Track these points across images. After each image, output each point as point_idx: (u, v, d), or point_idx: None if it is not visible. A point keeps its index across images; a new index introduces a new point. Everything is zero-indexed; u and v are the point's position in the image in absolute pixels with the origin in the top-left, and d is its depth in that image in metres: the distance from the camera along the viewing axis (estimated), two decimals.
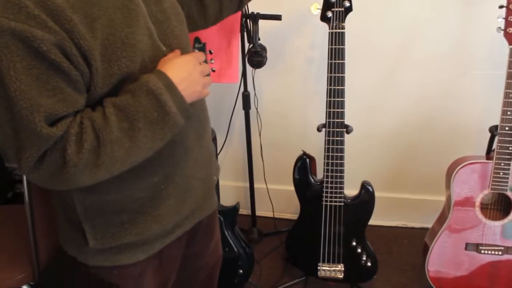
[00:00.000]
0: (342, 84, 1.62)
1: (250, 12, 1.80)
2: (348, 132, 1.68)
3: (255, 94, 2.06)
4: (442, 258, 1.73)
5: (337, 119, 1.66)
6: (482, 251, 1.69)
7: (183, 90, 0.93)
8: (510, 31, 1.51)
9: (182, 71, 0.95)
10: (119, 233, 1.04)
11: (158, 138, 0.92)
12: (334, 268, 1.88)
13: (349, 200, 1.79)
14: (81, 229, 1.04)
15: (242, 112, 2.07)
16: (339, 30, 1.57)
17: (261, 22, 1.80)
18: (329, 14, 1.56)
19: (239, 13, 1.78)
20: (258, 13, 1.77)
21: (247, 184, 2.28)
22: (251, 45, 1.83)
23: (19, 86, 0.78)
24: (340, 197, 1.76)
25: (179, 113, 0.93)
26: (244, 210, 2.43)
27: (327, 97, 1.64)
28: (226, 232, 1.84)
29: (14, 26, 0.76)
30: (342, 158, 1.70)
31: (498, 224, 1.65)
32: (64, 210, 1.08)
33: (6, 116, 0.82)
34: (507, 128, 1.56)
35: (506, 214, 1.64)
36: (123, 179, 0.98)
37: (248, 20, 1.81)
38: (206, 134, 1.16)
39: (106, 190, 0.99)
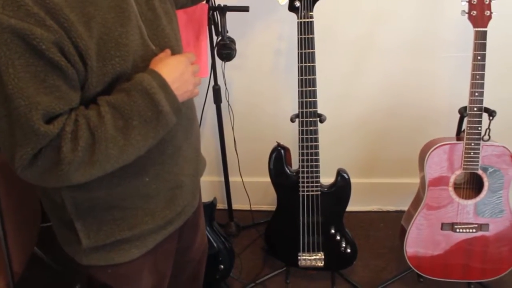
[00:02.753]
0: (313, 73, 1.62)
1: (217, 4, 1.77)
2: (321, 121, 1.69)
3: (226, 87, 2.04)
4: (419, 239, 1.77)
5: (310, 108, 1.66)
6: (457, 230, 1.73)
7: (175, 89, 0.95)
8: (473, 14, 1.53)
9: (175, 71, 0.96)
10: (112, 230, 1.05)
11: (151, 137, 0.93)
12: (314, 257, 1.89)
13: (326, 189, 1.81)
14: (73, 228, 1.04)
15: (213, 106, 2.05)
16: (307, 20, 1.56)
17: (229, 14, 1.78)
18: (297, 3, 1.55)
19: (206, 6, 1.75)
20: (225, 5, 1.75)
21: (222, 178, 2.26)
22: (220, 38, 1.81)
23: (17, 84, 0.79)
24: (316, 186, 1.77)
25: (172, 112, 0.94)
26: (221, 205, 2.41)
27: (299, 87, 1.64)
28: (205, 228, 1.82)
29: (14, 23, 0.76)
30: (316, 147, 1.71)
31: (471, 202, 1.69)
32: (55, 210, 1.08)
33: (2, 112, 0.81)
34: (475, 109, 1.59)
35: (478, 193, 1.68)
36: (114, 175, 0.98)
37: (215, 13, 1.78)
38: (193, 131, 1.18)
39: (96, 187, 0.99)
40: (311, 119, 1.68)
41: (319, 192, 1.78)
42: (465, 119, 1.63)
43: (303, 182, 1.77)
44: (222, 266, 1.86)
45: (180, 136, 1.09)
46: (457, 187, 1.70)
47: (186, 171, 1.14)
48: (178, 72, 0.96)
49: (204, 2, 1.75)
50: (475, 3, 1.52)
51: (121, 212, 1.05)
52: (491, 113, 1.60)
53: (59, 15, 0.79)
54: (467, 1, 1.53)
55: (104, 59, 0.87)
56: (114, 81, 0.91)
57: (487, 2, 1.52)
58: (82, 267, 1.10)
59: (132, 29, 0.91)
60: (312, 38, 1.58)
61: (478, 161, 1.63)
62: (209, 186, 2.45)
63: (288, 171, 1.81)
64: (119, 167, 0.94)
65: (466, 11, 1.54)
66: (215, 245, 1.84)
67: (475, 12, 1.53)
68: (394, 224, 2.28)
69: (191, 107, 1.17)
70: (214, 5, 1.78)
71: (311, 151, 1.71)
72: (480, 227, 1.72)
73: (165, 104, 0.92)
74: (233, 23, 1.85)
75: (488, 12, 1.53)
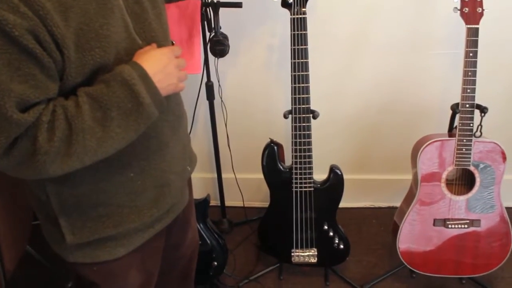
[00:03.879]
0: (306, 69, 1.62)
1: (210, 0, 1.76)
2: (314, 118, 1.69)
3: (219, 84, 2.04)
4: (412, 235, 1.78)
5: (303, 105, 1.67)
6: (450, 226, 1.74)
7: (158, 82, 0.93)
8: (466, 11, 1.54)
9: (158, 63, 0.94)
10: (97, 226, 1.03)
11: (131, 129, 0.91)
12: (307, 253, 1.90)
13: (319, 185, 1.81)
14: (57, 224, 1.03)
15: (206, 103, 2.04)
16: (300, 16, 1.56)
17: (222, 10, 1.77)
18: (290, 0, 1.55)
19: (199, 2, 1.74)
20: (218, 1, 1.74)
21: (215, 175, 2.26)
22: (213, 34, 1.80)
23: None
24: (309, 183, 1.78)
25: (153, 105, 0.92)
26: (213, 201, 2.41)
27: (292, 83, 1.64)
28: (198, 225, 1.82)
29: None
30: (309, 143, 1.71)
31: (463, 198, 1.71)
32: (41, 207, 1.06)
33: None
34: (467, 106, 1.60)
35: (470, 189, 1.70)
36: (97, 170, 0.97)
37: (208, 9, 1.77)
38: (181, 128, 1.16)
39: (80, 182, 0.98)
40: (304, 115, 1.68)
41: (312, 189, 1.79)
42: (457, 116, 1.64)
43: (296, 179, 1.77)
44: (215, 263, 1.86)
45: (167, 132, 1.07)
46: (449, 183, 1.71)
47: (174, 168, 1.12)
48: (161, 64, 0.94)
49: None
50: (467, 0, 1.53)
51: (106, 209, 1.03)
52: (483, 110, 1.61)
53: (33, 2, 0.77)
54: None
55: (84, 49, 0.85)
56: (95, 73, 0.89)
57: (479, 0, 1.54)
58: (69, 264, 1.09)
59: (115, 22, 0.89)
60: (305, 35, 1.58)
61: (470, 157, 1.64)
62: (201, 182, 2.44)
63: (281, 167, 1.81)
64: (102, 161, 0.93)
65: (458, 8, 1.55)
66: (208, 242, 1.84)
67: (467, 9, 1.54)
68: (386, 220, 2.29)
69: (179, 103, 1.15)
70: (207, 1, 1.77)
71: (304, 147, 1.71)
72: (472, 222, 1.74)
73: (146, 96, 0.90)
74: (226, 19, 1.85)
75: (480, 9, 1.54)
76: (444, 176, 1.68)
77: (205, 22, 1.81)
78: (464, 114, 1.61)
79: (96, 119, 0.86)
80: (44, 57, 0.80)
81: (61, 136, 0.84)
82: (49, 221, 1.06)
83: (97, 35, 0.86)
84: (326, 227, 1.85)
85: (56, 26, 0.80)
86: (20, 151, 0.82)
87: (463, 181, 1.73)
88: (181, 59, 1.02)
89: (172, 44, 1.09)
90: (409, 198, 1.81)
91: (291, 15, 1.57)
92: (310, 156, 1.73)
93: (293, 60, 1.61)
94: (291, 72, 1.62)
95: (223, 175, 2.25)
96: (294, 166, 1.75)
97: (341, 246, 1.88)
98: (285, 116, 1.71)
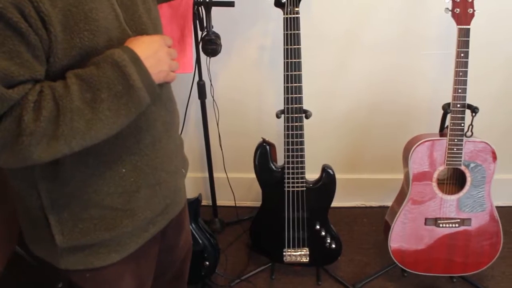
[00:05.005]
0: (299, 69, 1.62)
1: None
2: (307, 117, 1.69)
3: (210, 83, 2.03)
4: (403, 234, 1.79)
5: (295, 104, 1.67)
6: (441, 225, 1.75)
7: (149, 67, 0.91)
8: (457, 12, 1.55)
9: (149, 48, 0.93)
10: (88, 228, 1.01)
11: (122, 114, 0.89)
12: (299, 253, 1.90)
13: (311, 184, 1.81)
14: (46, 224, 1.00)
15: (198, 102, 2.03)
16: (293, 15, 1.56)
17: (214, 9, 1.77)
18: None
19: (191, 1, 1.73)
20: (210, 0, 1.73)
21: (206, 174, 2.25)
22: (205, 33, 1.79)
23: None
24: (302, 182, 1.78)
25: (144, 89, 0.90)
26: (205, 201, 2.41)
27: (284, 83, 1.64)
28: (190, 225, 1.81)
29: None
30: (302, 143, 1.71)
31: (454, 197, 1.72)
32: (27, 205, 1.02)
33: None
34: (458, 106, 1.61)
35: (461, 188, 1.71)
36: (87, 165, 0.95)
37: (200, 8, 1.76)
38: (174, 125, 1.14)
39: (70, 177, 0.95)
40: (296, 115, 1.68)
41: (305, 188, 1.79)
42: (449, 116, 1.65)
43: (288, 178, 1.77)
44: (207, 263, 1.86)
45: (159, 127, 1.05)
46: (440, 183, 1.72)
47: (166, 167, 1.09)
48: (152, 49, 0.93)
49: None
50: (458, 1, 1.54)
51: (99, 211, 1.00)
52: (474, 110, 1.62)
53: None
54: None
55: (72, 31, 0.83)
56: (83, 58, 0.87)
57: (470, 0, 1.55)
58: (60, 271, 1.06)
59: (104, 8, 0.88)
60: (298, 34, 1.58)
61: (461, 157, 1.65)
62: (193, 182, 2.43)
63: (273, 167, 1.81)
64: (92, 154, 0.91)
65: (450, 8, 1.56)
66: (200, 242, 1.83)
67: (458, 9, 1.55)
68: (377, 220, 2.30)
69: (171, 99, 1.13)
70: (199, 0, 1.76)
71: (297, 147, 1.71)
72: (463, 221, 1.75)
73: (137, 78, 0.88)
74: (219, 18, 1.84)
75: (471, 10, 1.55)
76: (435, 175, 1.69)
77: (197, 21, 1.80)
78: (456, 114, 1.62)
79: (85, 100, 0.83)
80: (30, 34, 0.78)
81: (48, 116, 0.80)
82: (37, 224, 1.02)
83: (86, 17, 0.84)
84: (318, 227, 1.86)
85: (42, 2, 0.78)
86: (3, 132, 0.79)
87: (454, 180, 1.74)
88: (172, 49, 1.01)
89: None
90: (401, 197, 1.82)
91: (284, 14, 1.56)
92: (302, 156, 1.73)
93: (286, 60, 1.61)
94: (284, 71, 1.62)
95: (215, 175, 2.24)
96: (286, 165, 1.75)
97: (333, 246, 1.89)
98: (278, 116, 1.70)
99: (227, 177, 2.30)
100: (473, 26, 1.55)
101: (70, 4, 0.82)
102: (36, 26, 0.78)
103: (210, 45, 1.79)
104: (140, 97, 0.90)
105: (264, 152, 1.80)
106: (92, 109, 0.84)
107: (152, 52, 0.93)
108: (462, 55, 1.57)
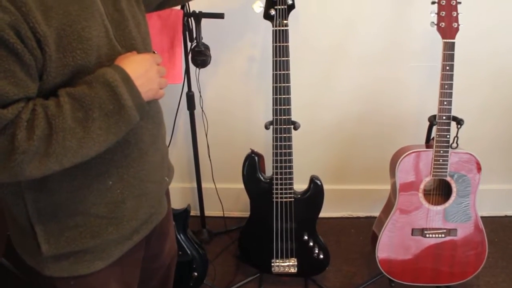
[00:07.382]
0: (288, 81, 1.64)
1: (192, 11, 1.77)
2: (295, 129, 1.70)
3: (200, 94, 2.04)
4: (390, 244, 1.81)
5: (284, 116, 1.68)
6: (427, 235, 1.77)
7: (139, 86, 0.93)
8: (442, 26, 1.59)
9: (139, 67, 0.94)
10: (74, 236, 1.02)
11: (112, 132, 0.90)
12: (287, 263, 1.90)
13: (299, 195, 1.82)
14: (33, 233, 1.00)
15: (187, 113, 2.04)
16: (282, 28, 1.58)
17: (204, 21, 1.78)
18: (272, 12, 1.57)
19: (181, 12, 1.75)
20: (200, 12, 1.75)
21: (195, 185, 2.25)
22: (195, 45, 1.80)
23: None
24: (290, 193, 1.79)
25: (134, 108, 0.92)
26: (193, 211, 2.40)
27: (273, 95, 1.65)
28: (179, 236, 1.81)
29: None
30: (290, 154, 1.72)
31: (440, 208, 1.74)
32: (15, 214, 1.03)
33: None
34: (444, 117, 1.64)
35: (447, 199, 1.73)
36: (75, 178, 0.96)
37: (190, 19, 1.78)
38: (160, 137, 1.15)
39: (57, 189, 0.96)
40: (285, 126, 1.69)
41: (293, 199, 1.80)
42: (434, 127, 1.68)
43: (276, 189, 1.78)
44: (195, 274, 1.85)
45: (146, 140, 1.07)
46: (426, 194, 1.75)
47: (152, 177, 1.11)
48: (142, 69, 0.94)
49: (179, 8, 1.75)
50: (443, 15, 1.58)
51: (84, 219, 1.01)
52: (459, 122, 1.65)
53: None
54: (435, 13, 1.59)
55: (65, 50, 0.84)
56: (75, 76, 0.88)
57: (454, 15, 1.58)
58: (45, 278, 1.06)
59: (96, 25, 0.89)
60: (287, 46, 1.60)
61: (447, 168, 1.68)
62: (181, 192, 2.43)
63: (261, 177, 1.82)
64: (79, 168, 0.92)
65: (435, 22, 1.59)
66: (189, 252, 1.83)
67: (443, 23, 1.58)
68: (364, 230, 2.32)
69: (158, 111, 1.15)
70: (189, 11, 1.77)
71: (285, 158, 1.73)
72: (449, 232, 1.77)
73: (128, 98, 0.90)
74: (208, 29, 1.85)
75: (456, 24, 1.58)
76: (421, 186, 1.72)
77: (187, 32, 1.81)
78: (441, 126, 1.65)
79: (77, 119, 0.85)
80: (25, 54, 0.79)
81: (41, 135, 0.81)
82: (23, 232, 1.03)
83: (79, 36, 0.85)
84: (306, 237, 1.86)
85: (38, 23, 0.79)
86: None
87: (440, 191, 1.77)
88: (161, 66, 1.02)
89: (154, 53, 1.09)
90: (388, 207, 1.83)
91: (273, 27, 1.58)
92: (290, 167, 1.74)
93: (274, 72, 1.62)
94: (273, 83, 1.64)
95: (203, 185, 2.24)
96: (274, 176, 1.76)
97: (321, 256, 1.89)
98: (267, 127, 1.72)
99: (216, 188, 2.30)
100: (458, 39, 1.59)
101: (64, 23, 0.83)
102: (31, 47, 0.79)
103: (200, 56, 1.80)
104: (131, 115, 0.91)
105: (252, 163, 1.81)
106: (84, 128, 0.86)
107: (143, 71, 0.94)
108: (447, 68, 1.60)
